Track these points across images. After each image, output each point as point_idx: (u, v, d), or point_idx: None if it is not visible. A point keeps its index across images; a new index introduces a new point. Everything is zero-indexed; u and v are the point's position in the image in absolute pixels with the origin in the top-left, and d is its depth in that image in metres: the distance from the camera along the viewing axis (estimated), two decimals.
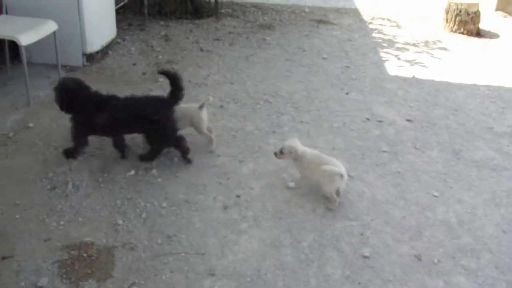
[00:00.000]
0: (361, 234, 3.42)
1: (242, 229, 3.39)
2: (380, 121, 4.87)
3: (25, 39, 4.63)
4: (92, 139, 4.12)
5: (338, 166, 3.66)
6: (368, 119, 4.91)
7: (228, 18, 7.65)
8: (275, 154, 3.80)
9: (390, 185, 3.96)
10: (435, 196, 3.87)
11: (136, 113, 3.83)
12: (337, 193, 3.68)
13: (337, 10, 8.72)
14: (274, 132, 4.53)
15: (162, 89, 5.17)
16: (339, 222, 3.52)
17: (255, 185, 3.82)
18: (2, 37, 4.84)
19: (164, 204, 3.59)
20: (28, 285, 2.93)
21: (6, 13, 5.38)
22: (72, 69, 5.57)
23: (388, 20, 8.43)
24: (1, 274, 2.99)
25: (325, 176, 3.62)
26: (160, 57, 6.06)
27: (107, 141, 4.23)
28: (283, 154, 3.74)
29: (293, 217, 3.53)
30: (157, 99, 3.97)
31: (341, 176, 3.60)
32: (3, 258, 3.11)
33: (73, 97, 3.79)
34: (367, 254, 3.25)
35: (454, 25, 7.89)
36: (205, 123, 4.15)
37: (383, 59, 6.55)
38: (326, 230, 3.43)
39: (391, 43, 7.23)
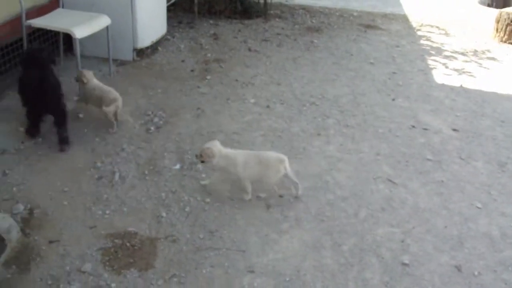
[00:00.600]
0: (402, 241, 3.41)
1: (283, 228, 3.43)
2: (425, 129, 4.83)
3: (79, 32, 4.77)
4: (140, 133, 4.28)
5: (276, 155, 3.67)
6: (413, 126, 4.87)
7: (277, 19, 7.69)
8: (196, 156, 3.71)
9: (433, 194, 3.94)
10: (478, 207, 3.83)
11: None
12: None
13: (385, 16, 8.66)
14: (319, 134, 4.54)
15: (209, 86, 5.29)
16: (381, 228, 3.52)
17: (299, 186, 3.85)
18: (58, 30, 5.00)
19: (208, 200, 3.65)
20: (72, 269, 3.03)
21: (63, 6, 5.53)
22: (122, 63, 5.70)
23: (437, 27, 8.33)
24: (48, 257, 3.11)
25: (270, 169, 3.60)
26: (209, 55, 6.13)
27: (155, 135, 4.35)
28: (202, 157, 3.61)
29: (335, 220, 3.54)
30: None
31: (283, 162, 3.61)
32: (50, 242, 3.23)
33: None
34: (407, 261, 3.24)
35: (504, 35, 7.75)
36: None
37: (430, 66, 6.49)
38: (367, 235, 3.44)
39: (439, 50, 7.15)
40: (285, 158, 3.62)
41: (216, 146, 3.60)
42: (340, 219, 3.56)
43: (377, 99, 5.36)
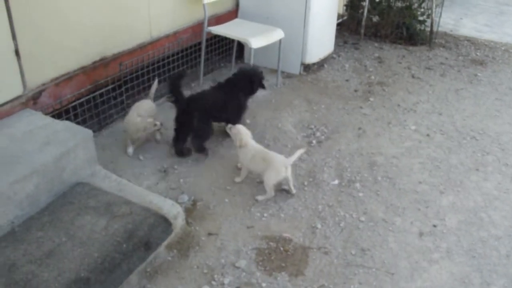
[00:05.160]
0: None
1: (434, 258, 3.42)
2: None
3: (255, 43, 5.04)
4: (303, 146, 4.48)
5: (283, 159, 3.86)
6: None
7: (441, 48, 7.57)
8: (227, 126, 4.11)
9: None
10: None
11: None
12: (278, 184, 3.93)
13: None
14: (477, 170, 4.45)
15: (371, 108, 5.37)
16: None
17: (453, 218, 3.81)
18: (236, 38, 5.32)
19: (363, 218, 3.72)
20: (227, 263, 3.24)
21: (239, 17, 5.88)
22: (289, 76, 5.92)
23: None
24: (206, 248, 3.35)
25: (272, 168, 3.79)
26: (372, 77, 6.20)
27: (316, 149, 4.53)
28: (231, 132, 4.03)
29: (486, 258, 3.46)
30: None
31: (286, 168, 3.79)
32: (209, 234, 3.47)
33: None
34: None
35: None
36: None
37: None
38: None
39: None
40: (289, 164, 3.83)
41: (245, 130, 4.02)
42: (492, 258, 3.48)
43: None
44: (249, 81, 4.49)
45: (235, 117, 4.45)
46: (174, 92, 4.17)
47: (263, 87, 4.66)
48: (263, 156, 3.86)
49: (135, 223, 3.24)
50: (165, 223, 3.33)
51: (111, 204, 3.38)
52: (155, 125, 4.20)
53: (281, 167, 3.77)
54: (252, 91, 4.56)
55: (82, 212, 3.28)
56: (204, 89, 4.78)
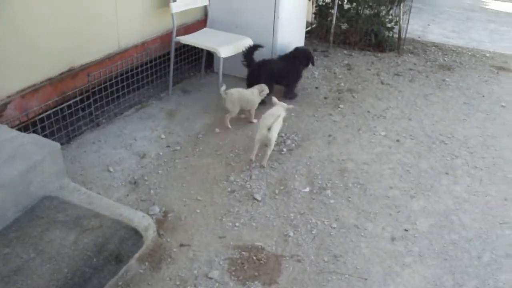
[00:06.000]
0: None
1: (406, 262, 3.43)
2: None
3: (224, 52, 5.05)
4: (273, 154, 4.45)
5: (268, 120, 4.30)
6: None
7: (409, 54, 7.67)
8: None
9: None
10: None
11: None
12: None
13: None
14: (447, 173, 4.50)
15: (341, 115, 5.39)
16: (504, 274, 3.41)
17: (424, 222, 3.83)
18: (204, 48, 5.32)
19: (334, 225, 3.72)
20: (200, 274, 3.20)
21: (208, 26, 5.88)
22: None
23: None
24: (178, 259, 3.31)
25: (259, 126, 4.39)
26: (342, 84, 6.24)
27: (287, 157, 4.52)
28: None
29: (458, 261, 3.49)
30: None
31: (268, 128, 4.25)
32: (181, 245, 3.43)
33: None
34: None
35: None
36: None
37: None
38: (489, 280, 3.35)
39: None
40: (271, 124, 4.24)
41: (282, 105, 4.69)
42: (463, 260, 3.51)
43: (508, 143, 5.19)
44: (306, 57, 5.64)
45: (292, 82, 5.69)
46: (247, 58, 5.32)
47: (314, 64, 5.81)
48: (266, 115, 4.40)
49: (105, 236, 3.18)
50: (136, 235, 3.28)
51: (81, 217, 3.32)
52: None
53: (264, 127, 4.26)
54: (307, 65, 5.68)
55: (50, 226, 3.22)
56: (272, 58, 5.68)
